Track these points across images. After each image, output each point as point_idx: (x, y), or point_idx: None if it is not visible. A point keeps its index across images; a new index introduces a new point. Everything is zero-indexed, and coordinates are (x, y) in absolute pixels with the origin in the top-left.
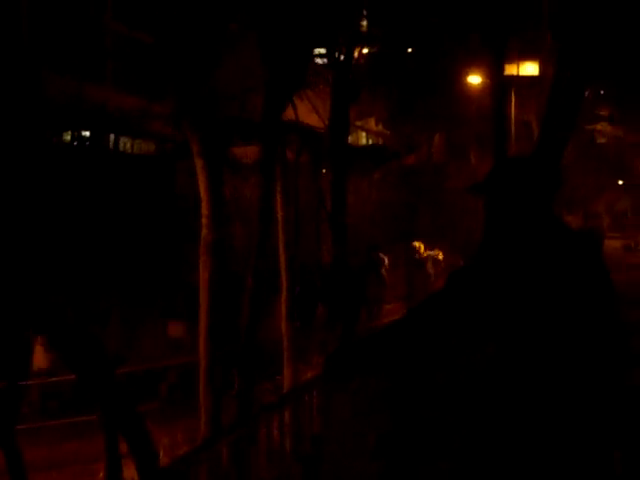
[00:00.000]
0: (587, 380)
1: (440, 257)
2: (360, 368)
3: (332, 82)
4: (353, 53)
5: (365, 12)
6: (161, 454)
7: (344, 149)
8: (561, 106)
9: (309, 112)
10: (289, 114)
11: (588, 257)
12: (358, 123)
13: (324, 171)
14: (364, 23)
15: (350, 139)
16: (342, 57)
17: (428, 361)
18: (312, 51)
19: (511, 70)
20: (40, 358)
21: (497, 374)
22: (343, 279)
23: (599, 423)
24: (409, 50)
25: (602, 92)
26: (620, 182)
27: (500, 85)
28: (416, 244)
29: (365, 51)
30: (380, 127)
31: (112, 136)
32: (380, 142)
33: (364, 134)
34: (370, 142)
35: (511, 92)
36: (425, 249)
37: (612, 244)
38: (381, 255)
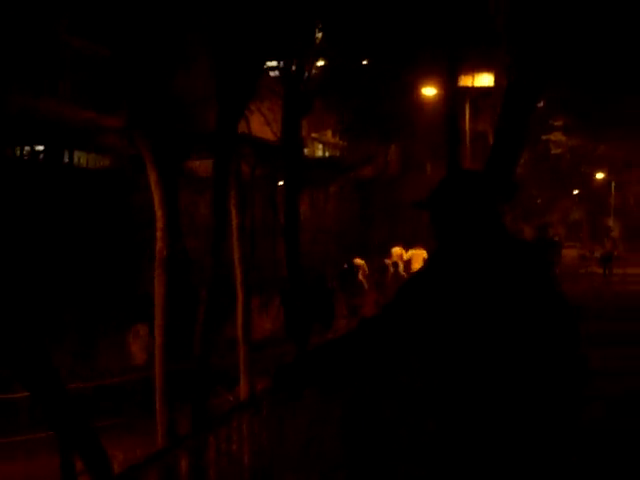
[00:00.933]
0: (536, 392)
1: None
2: (306, 380)
3: (283, 95)
4: (304, 66)
5: (319, 25)
6: (117, 470)
7: (296, 162)
8: (514, 117)
9: (265, 125)
10: (245, 127)
11: (535, 269)
12: (314, 135)
13: (281, 184)
14: (319, 35)
15: (307, 151)
16: (293, 69)
17: (374, 371)
18: (264, 63)
19: (466, 81)
20: None
21: (444, 385)
22: (297, 291)
23: (553, 436)
24: (364, 62)
25: (556, 102)
26: (575, 192)
27: (453, 96)
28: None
29: (320, 63)
30: (337, 139)
31: (67, 151)
32: (337, 154)
33: (321, 146)
34: (327, 154)
35: (466, 103)
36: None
37: (569, 253)
38: (358, 261)
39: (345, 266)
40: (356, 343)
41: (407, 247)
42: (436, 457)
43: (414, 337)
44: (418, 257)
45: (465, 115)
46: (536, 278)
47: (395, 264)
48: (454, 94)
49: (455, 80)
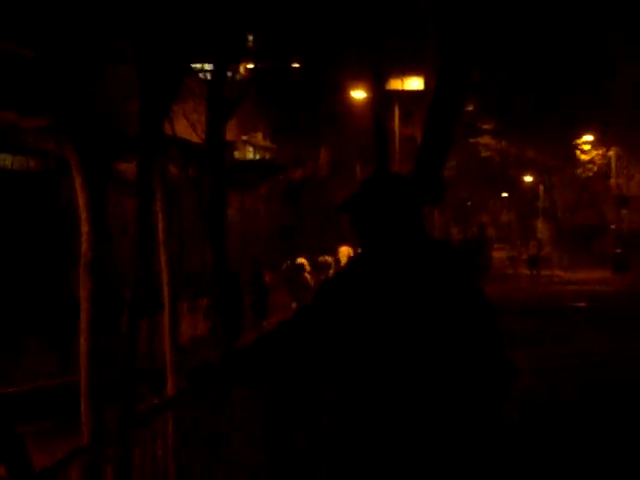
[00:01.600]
0: (458, 392)
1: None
2: (229, 379)
3: (207, 97)
4: (228, 68)
5: (248, 28)
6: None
7: (220, 164)
8: (440, 119)
9: (190, 127)
10: (177, 129)
11: (454, 271)
12: (245, 137)
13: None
14: (250, 38)
15: (237, 154)
16: (218, 71)
17: (291, 369)
18: (188, 65)
19: (396, 85)
20: None
21: (362, 386)
22: (222, 292)
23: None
24: (294, 65)
25: (485, 106)
26: (504, 194)
27: (380, 100)
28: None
29: (251, 66)
30: (267, 142)
31: None
32: (267, 157)
33: (251, 148)
34: (257, 156)
35: (395, 106)
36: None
37: (498, 255)
38: (301, 260)
39: (285, 265)
40: (272, 345)
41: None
42: (355, 458)
43: (328, 339)
44: None
45: (395, 118)
46: (456, 280)
47: (338, 261)
48: (381, 97)
49: (383, 83)
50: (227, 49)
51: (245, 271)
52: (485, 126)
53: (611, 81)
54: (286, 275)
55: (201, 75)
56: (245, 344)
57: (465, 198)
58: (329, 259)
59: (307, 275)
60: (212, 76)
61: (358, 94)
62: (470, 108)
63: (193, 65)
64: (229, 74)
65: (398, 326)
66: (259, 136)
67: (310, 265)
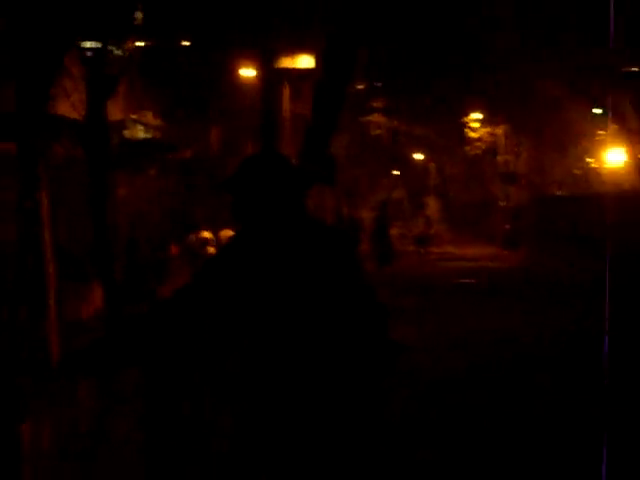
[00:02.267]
0: (339, 371)
1: None
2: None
3: (87, 75)
4: (107, 45)
5: (133, 5)
6: None
7: (103, 143)
8: (327, 97)
9: (72, 106)
10: (62, 109)
11: (332, 249)
12: (134, 116)
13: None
14: (139, 16)
15: (127, 133)
16: (98, 49)
17: (170, 349)
18: (70, 42)
19: (286, 63)
20: None
21: (239, 366)
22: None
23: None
24: (184, 43)
25: (376, 84)
26: (396, 172)
27: (268, 78)
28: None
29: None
30: (158, 121)
31: None
32: (158, 136)
33: (142, 127)
34: (149, 136)
35: (285, 85)
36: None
37: (391, 233)
38: (205, 234)
39: (189, 239)
40: (149, 324)
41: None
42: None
43: (206, 319)
44: None
45: (284, 96)
46: (335, 258)
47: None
48: (270, 75)
49: (271, 61)
50: (110, 26)
51: (138, 248)
52: (375, 104)
53: (496, 59)
54: (190, 249)
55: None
56: (128, 322)
57: (358, 176)
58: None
59: (211, 249)
60: (93, 53)
61: (247, 72)
62: (361, 86)
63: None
64: (117, 51)
65: (276, 305)
66: (149, 115)
67: (214, 239)
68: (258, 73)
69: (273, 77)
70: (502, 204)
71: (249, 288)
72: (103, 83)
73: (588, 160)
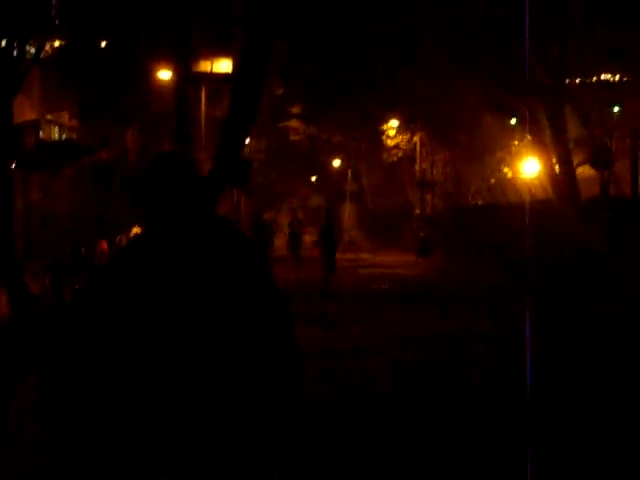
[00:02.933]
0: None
1: None
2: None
3: None
4: (13, 44)
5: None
6: None
7: (9, 144)
8: (241, 101)
9: None
10: None
11: (238, 250)
12: (50, 117)
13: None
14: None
15: (42, 134)
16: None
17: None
18: None
19: (205, 67)
20: None
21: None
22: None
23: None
24: (102, 44)
25: (294, 90)
26: (313, 178)
27: (184, 81)
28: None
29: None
30: (74, 122)
31: None
32: (74, 137)
33: (57, 128)
34: (64, 137)
35: (202, 88)
36: None
37: (304, 239)
38: (136, 231)
39: (119, 238)
40: (49, 327)
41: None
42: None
43: (107, 319)
44: None
45: (202, 100)
46: (240, 260)
47: None
48: (185, 79)
49: (187, 65)
50: (19, 23)
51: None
52: (294, 110)
53: (413, 67)
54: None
55: None
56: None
57: (276, 182)
58: None
59: None
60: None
61: (165, 75)
62: (280, 92)
63: None
64: (29, 48)
65: (175, 306)
66: (65, 116)
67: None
68: (174, 76)
69: (190, 80)
70: (418, 212)
71: (148, 289)
72: (9, 81)
73: (505, 170)
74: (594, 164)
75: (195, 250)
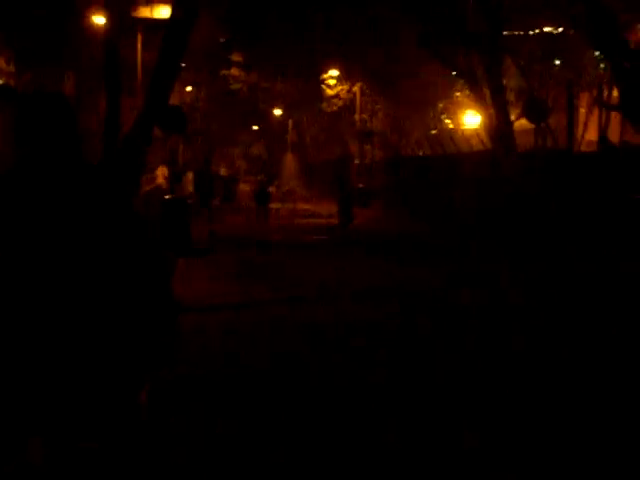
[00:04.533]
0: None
1: None
2: None
3: None
4: None
5: None
6: None
7: None
8: (169, 48)
9: None
10: None
11: (104, 197)
12: None
13: None
14: None
15: None
16: None
17: None
18: None
19: (144, 12)
20: None
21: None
22: None
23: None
24: None
25: (235, 37)
26: (255, 127)
27: (115, 26)
28: None
29: None
30: (12, 67)
31: None
32: (12, 83)
33: None
34: (1, 82)
35: (138, 34)
36: None
37: (245, 188)
38: None
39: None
40: None
41: None
42: None
43: None
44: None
45: (137, 46)
46: (106, 207)
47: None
48: (117, 23)
49: (120, 9)
50: None
51: None
52: (235, 58)
53: (351, 15)
54: None
55: None
56: None
57: (217, 131)
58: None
59: None
60: None
61: (99, 20)
62: (221, 40)
63: None
64: None
65: (37, 250)
66: (1, 61)
67: None
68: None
69: (128, 27)
70: (357, 162)
71: (7, 227)
72: None
73: (446, 121)
74: (527, 116)
75: (53, 198)
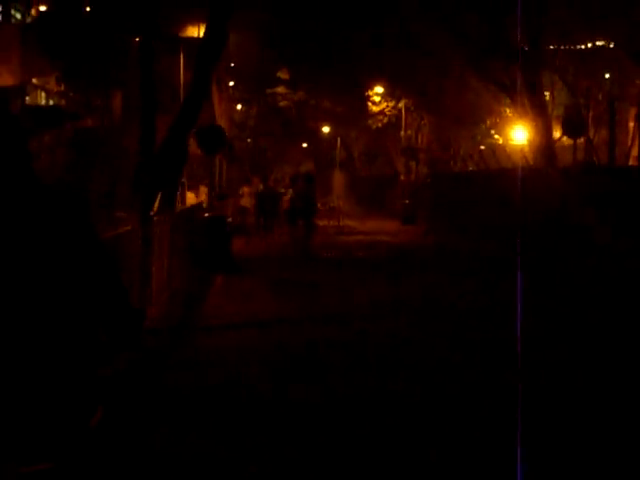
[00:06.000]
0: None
1: None
2: None
3: None
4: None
5: None
6: None
7: None
8: (201, 65)
9: None
10: None
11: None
12: (36, 82)
13: None
14: None
15: (29, 99)
16: None
17: None
18: None
19: (192, 32)
20: None
21: None
22: None
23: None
24: (86, 9)
25: (281, 53)
26: (304, 145)
27: (148, 47)
28: None
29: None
30: (62, 87)
31: None
32: (63, 103)
33: (44, 94)
34: (51, 102)
35: (180, 53)
36: None
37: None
38: None
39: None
40: None
41: None
42: None
43: None
44: None
45: (180, 65)
46: (62, 225)
47: None
48: (150, 43)
49: (154, 29)
50: None
51: None
52: (282, 76)
53: (396, 34)
54: None
55: None
56: None
57: (266, 149)
58: None
59: None
60: None
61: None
62: (266, 58)
63: None
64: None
65: None
66: (52, 81)
67: None
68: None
69: (170, 46)
70: (403, 179)
71: None
72: None
73: (495, 137)
74: (565, 131)
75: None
